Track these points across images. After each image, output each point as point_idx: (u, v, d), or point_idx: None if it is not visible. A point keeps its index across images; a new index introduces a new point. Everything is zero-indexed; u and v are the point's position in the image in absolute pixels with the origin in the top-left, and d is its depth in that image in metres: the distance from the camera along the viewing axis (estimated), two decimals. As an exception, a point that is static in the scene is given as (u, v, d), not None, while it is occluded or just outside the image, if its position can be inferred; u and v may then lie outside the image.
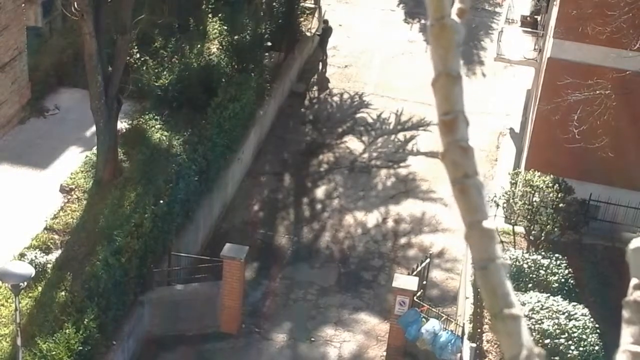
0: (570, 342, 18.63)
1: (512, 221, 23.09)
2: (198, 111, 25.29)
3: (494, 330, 1.90)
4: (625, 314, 2.04)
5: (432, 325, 20.43)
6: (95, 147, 23.23)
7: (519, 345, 1.84)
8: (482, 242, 1.82)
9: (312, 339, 22.04)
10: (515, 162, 28.09)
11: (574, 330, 18.80)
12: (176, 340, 21.37)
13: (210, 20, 29.77)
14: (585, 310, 19.47)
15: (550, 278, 20.65)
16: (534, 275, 20.70)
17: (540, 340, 18.58)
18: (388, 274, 23.77)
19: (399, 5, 39.80)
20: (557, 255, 21.35)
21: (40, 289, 19.30)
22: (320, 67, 34.21)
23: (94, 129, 23.30)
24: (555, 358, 18.41)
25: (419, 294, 21.15)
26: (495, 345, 20.28)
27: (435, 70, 1.77)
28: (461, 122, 1.75)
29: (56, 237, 21.10)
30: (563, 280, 20.71)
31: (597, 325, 19.12)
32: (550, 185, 22.65)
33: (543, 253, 21.66)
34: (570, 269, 21.07)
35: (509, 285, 1.85)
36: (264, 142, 29.39)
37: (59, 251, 20.61)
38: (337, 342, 22.03)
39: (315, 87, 33.45)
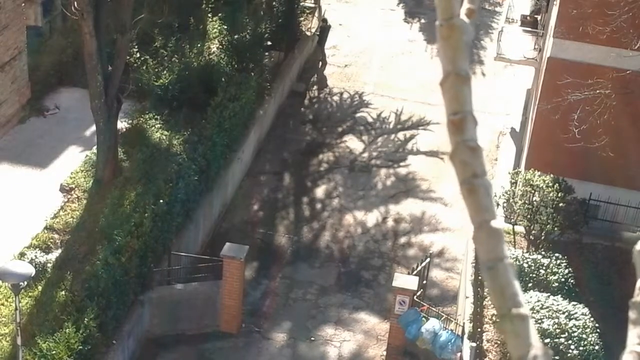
0: (570, 342, 18.64)
1: (512, 221, 23.09)
2: (198, 111, 25.28)
3: (501, 330, 1.90)
4: (632, 314, 2.04)
5: (432, 324, 20.44)
6: (95, 147, 23.22)
7: (527, 345, 1.85)
8: (490, 242, 1.82)
9: (312, 339, 22.05)
10: (515, 162, 28.09)
11: (574, 329, 18.80)
12: (176, 340, 21.37)
13: (210, 19, 29.75)
14: (585, 310, 19.47)
15: (550, 277, 20.66)
16: (534, 275, 20.71)
17: (540, 340, 18.55)
18: (388, 274, 23.78)
19: (399, 5, 39.80)
20: (557, 254, 21.36)
21: (40, 288, 19.30)
22: (319, 66, 34.21)
23: (94, 128, 23.29)
24: (555, 357, 18.41)
25: (419, 293, 21.16)
26: (496, 345, 20.29)
27: (444, 70, 1.77)
28: (470, 122, 1.75)
29: (56, 236, 21.10)
30: (563, 279, 20.72)
31: (597, 325, 19.13)
32: (550, 184, 22.65)
33: (543, 252, 21.67)
34: (570, 269, 21.08)
35: (516, 285, 1.85)
36: (264, 141, 29.39)
37: (59, 250, 20.60)
38: (337, 342, 22.03)
39: (315, 87, 33.46)
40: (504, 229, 23.21)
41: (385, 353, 21.54)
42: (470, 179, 1.78)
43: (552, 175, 22.86)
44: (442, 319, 20.85)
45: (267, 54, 30.12)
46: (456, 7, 1.73)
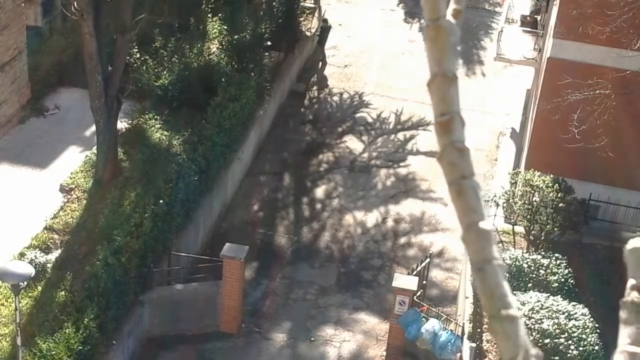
0: (570, 342, 18.63)
1: (512, 221, 23.09)
2: (198, 111, 25.29)
3: (491, 332, 1.90)
4: (623, 314, 2.04)
5: (431, 324, 20.43)
6: (95, 147, 23.23)
7: (517, 347, 1.84)
8: (479, 243, 1.82)
9: (312, 339, 22.05)
10: (515, 162, 28.08)
11: (574, 330, 18.80)
12: (176, 340, 21.37)
13: (210, 19, 29.76)
14: (585, 310, 19.47)
15: (550, 278, 20.66)
16: (534, 275, 20.70)
17: (540, 340, 18.58)
18: (388, 274, 23.78)
19: (398, 5, 39.80)
20: (557, 255, 21.35)
21: (40, 288, 19.31)
22: (319, 66, 34.20)
23: (93, 128, 23.30)
24: (555, 358, 18.41)
25: (418, 293, 21.15)
26: (495, 345, 20.29)
27: (431, 71, 1.77)
28: (457, 123, 1.75)
29: (56, 236, 21.10)
30: (563, 280, 20.71)
31: (596, 325, 19.12)
32: (550, 185, 22.65)
33: (543, 253, 21.66)
34: (570, 269, 21.07)
35: (506, 286, 1.85)
36: (264, 141, 29.40)
37: (59, 251, 20.61)
38: (337, 342, 22.04)
39: (315, 87, 33.46)
40: (504, 229, 23.35)
41: (385, 353, 21.54)
42: (458, 180, 1.78)
43: (552, 176, 22.86)
44: (442, 319, 20.85)
45: (267, 54, 30.13)
46: (442, 8, 1.73)
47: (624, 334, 2.02)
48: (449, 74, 1.72)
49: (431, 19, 1.73)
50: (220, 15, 29.77)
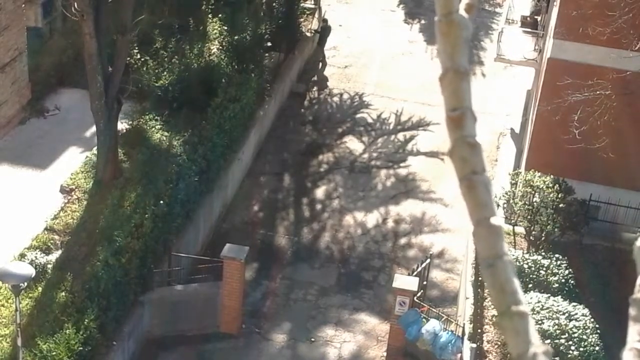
0: (570, 343, 18.63)
1: (512, 221, 23.08)
2: (198, 111, 25.27)
3: (500, 328, 1.90)
4: (632, 311, 2.03)
5: (432, 325, 20.43)
6: (96, 148, 23.21)
7: (527, 343, 1.84)
8: (490, 239, 1.81)
9: (312, 340, 22.04)
10: (515, 163, 28.08)
11: (574, 330, 18.80)
12: (176, 341, 21.37)
13: (210, 20, 29.74)
14: (586, 311, 19.47)
15: (551, 278, 20.65)
16: (534, 276, 20.70)
17: (541, 341, 18.55)
18: (388, 274, 23.77)
19: (399, 6, 39.81)
20: (557, 255, 21.35)
21: (40, 289, 19.28)
22: (319, 66, 34.21)
23: (94, 129, 23.29)
24: (556, 358, 18.40)
25: (419, 294, 21.15)
26: (496, 346, 20.28)
27: (443, 66, 1.76)
28: (469, 118, 1.74)
29: (56, 237, 21.08)
30: (563, 280, 20.71)
31: (597, 326, 19.12)
32: (551, 185, 22.65)
33: (543, 253, 21.65)
34: (570, 270, 21.07)
35: (516, 282, 1.85)
36: (264, 142, 29.39)
37: (59, 251, 20.58)
38: (337, 343, 22.02)
39: (315, 88, 33.46)
40: (504, 229, 23.28)
41: (385, 354, 21.53)
42: (469, 176, 1.77)
43: (552, 176, 22.86)
44: (443, 319, 20.84)
45: (267, 54, 30.12)
46: (455, 2, 1.73)
47: (634, 331, 2.02)
48: (461, 68, 1.72)
49: (443, 13, 1.72)
50: (220, 16, 29.74)
